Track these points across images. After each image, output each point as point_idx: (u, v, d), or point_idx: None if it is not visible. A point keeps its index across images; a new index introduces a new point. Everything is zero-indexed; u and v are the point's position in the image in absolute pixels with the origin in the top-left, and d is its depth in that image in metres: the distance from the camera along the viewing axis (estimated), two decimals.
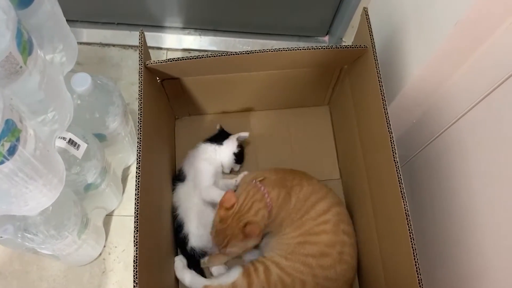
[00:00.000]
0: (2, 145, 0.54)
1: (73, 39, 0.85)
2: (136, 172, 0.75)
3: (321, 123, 1.20)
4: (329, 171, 1.15)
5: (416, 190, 0.99)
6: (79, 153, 0.82)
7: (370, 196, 0.94)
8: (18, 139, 0.57)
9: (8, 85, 0.61)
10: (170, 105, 1.10)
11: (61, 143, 0.80)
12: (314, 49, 0.88)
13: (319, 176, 1.13)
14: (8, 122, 0.54)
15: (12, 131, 0.55)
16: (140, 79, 0.82)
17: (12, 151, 0.56)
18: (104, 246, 1.09)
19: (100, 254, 1.09)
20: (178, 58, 0.86)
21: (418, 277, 0.71)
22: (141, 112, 0.79)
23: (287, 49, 0.87)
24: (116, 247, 1.10)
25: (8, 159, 0.56)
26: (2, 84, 0.60)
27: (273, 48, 0.86)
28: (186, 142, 1.11)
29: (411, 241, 0.73)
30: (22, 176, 0.61)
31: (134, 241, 0.71)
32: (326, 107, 1.21)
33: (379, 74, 0.83)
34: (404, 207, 0.75)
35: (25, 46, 0.61)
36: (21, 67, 0.61)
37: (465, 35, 0.72)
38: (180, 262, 0.96)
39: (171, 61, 0.86)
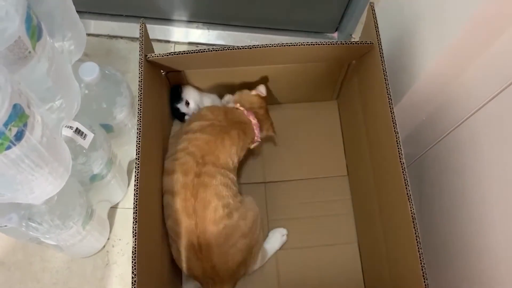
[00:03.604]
0: (10, 130, 0.53)
1: (82, 28, 0.85)
2: (136, 163, 0.74)
3: (328, 119, 1.19)
4: (336, 167, 1.14)
5: (425, 188, 0.98)
6: (85, 143, 0.82)
7: (376, 194, 0.93)
8: (25, 125, 0.56)
9: (16, 71, 0.60)
10: None
11: (67, 132, 0.79)
12: (321, 44, 0.87)
13: (325, 172, 1.13)
14: (16, 106, 0.53)
15: (19, 116, 0.54)
16: (141, 70, 0.81)
17: (19, 136, 0.55)
18: (108, 239, 1.09)
19: (104, 247, 1.08)
20: (180, 52, 0.84)
21: (424, 279, 0.70)
22: (140, 105, 0.78)
23: (293, 44, 0.86)
24: (120, 239, 1.09)
25: (15, 145, 0.55)
26: (10, 69, 0.59)
27: (280, 43, 0.85)
28: None
29: (418, 245, 0.71)
30: (29, 163, 0.60)
31: (133, 232, 0.71)
32: (334, 102, 1.20)
33: (385, 72, 0.82)
34: (411, 211, 0.73)
35: (34, 31, 0.60)
36: (29, 52, 0.60)
37: (480, 29, 0.71)
38: None
39: (172, 54, 0.85)
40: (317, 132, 1.17)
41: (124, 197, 1.13)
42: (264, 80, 1.06)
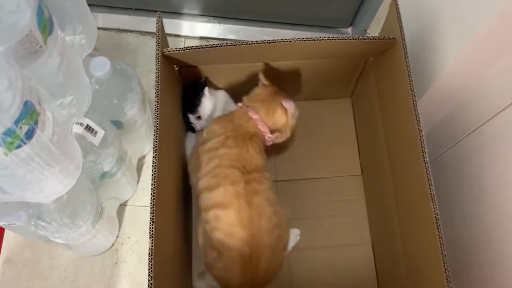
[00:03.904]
0: (20, 128, 0.51)
1: (93, 21, 0.82)
2: (153, 162, 0.72)
3: (342, 116, 1.16)
4: (350, 166, 1.12)
5: (443, 189, 0.95)
6: (96, 140, 0.79)
7: (394, 195, 0.91)
8: (36, 123, 0.54)
9: (27, 66, 0.58)
10: None
11: (78, 129, 0.77)
12: (339, 39, 0.84)
13: (338, 171, 1.11)
14: (27, 104, 0.51)
15: (30, 113, 0.52)
16: (157, 65, 0.79)
17: (30, 134, 0.53)
18: (117, 237, 1.07)
19: (113, 245, 1.06)
20: (197, 46, 0.82)
21: (447, 283, 0.67)
22: (158, 101, 0.76)
23: (310, 39, 0.83)
24: (129, 237, 1.07)
25: (25, 143, 0.53)
26: (21, 65, 0.57)
27: (294, 38, 0.82)
28: None
29: (441, 247, 0.69)
30: (39, 162, 0.58)
31: (150, 233, 0.69)
32: (348, 100, 1.17)
33: (408, 69, 0.79)
34: (434, 212, 0.71)
35: (45, 25, 0.58)
36: (41, 46, 0.58)
37: (508, 25, 0.68)
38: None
39: (189, 49, 0.82)
40: (330, 130, 1.15)
41: (133, 194, 1.11)
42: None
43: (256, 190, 0.81)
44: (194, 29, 1.29)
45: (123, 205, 1.10)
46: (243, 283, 0.81)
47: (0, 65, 0.49)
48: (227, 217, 0.79)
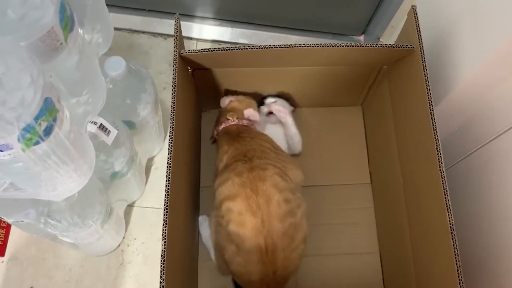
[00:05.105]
0: (39, 124, 0.51)
1: (110, 20, 0.82)
2: (167, 167, 0.72)
3: (352, 124, 1.16)
4: (359, 174, 1.11)
5: (452, 202, 0.94)
6: (109, 140, 0.79)
7: (405, 205, 0.90)
8: (55, 119, 0.53)
9: (47, 62, 0.58)
10: (199, 96, 1.07)
11: (91, 128, 0.76)
12: (357, 46, 0.84)
13: (347, 179, 1.10)
14: (47, 100, 0.50)
15: (50, 110, 0.52)
16: (174, 66, 0.79)
17: (48, 131, 0.53)
18: (123, 238, 1.06)
19: (119, 246, 1.05)
20: (213, 48, 0.82)
21: None
22: (174, 102, 0.76)
23: (327, 45, 0.83)
24: (135, 239, 1.07)
25: (43, 140, 0.53)
26: (41, 61, 0.56)
27: (311, 43, 0.82)
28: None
29: (455, 258, 0.68)
30: (55, 159, 0.58)
31: (163, 235, 0.68)
32: (359, 108, 1.17)
33: (426, 78, 0.78)
34: (450, 224, 0.70)
35: (67, 22, 0.58)
36: (61, 43, 0.57)
37: None
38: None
39: (206, 51, 0.83)
40: (339, 138, 1.14)
41: (141, 195, 1.10)
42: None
43: (261, 176, 0.81)
44: (206, 32, 1.29)
45: (130, 206, 1.09)
46: (263, 279, 0.81)
47: (23, 61, 0.48)
48: (236, 207, 0.80)
